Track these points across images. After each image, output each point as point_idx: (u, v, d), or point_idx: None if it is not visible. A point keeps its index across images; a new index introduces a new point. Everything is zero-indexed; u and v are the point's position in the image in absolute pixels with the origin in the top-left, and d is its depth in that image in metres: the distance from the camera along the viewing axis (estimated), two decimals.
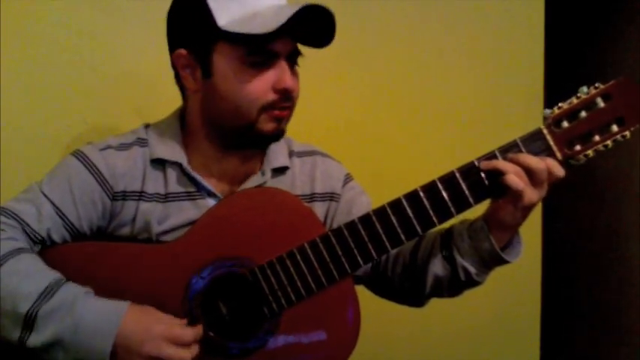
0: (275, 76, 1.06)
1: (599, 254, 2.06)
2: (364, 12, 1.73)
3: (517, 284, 1.89)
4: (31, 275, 0.98)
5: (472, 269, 1.08)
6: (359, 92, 1.76)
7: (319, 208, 1.21)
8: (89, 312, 0.96)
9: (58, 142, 1.49)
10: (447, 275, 1.10)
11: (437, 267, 1.11)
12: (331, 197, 1.23)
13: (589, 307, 2.11)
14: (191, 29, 1.09)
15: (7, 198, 1.10)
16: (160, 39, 1.50)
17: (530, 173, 0.99)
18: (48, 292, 0.96)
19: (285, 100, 1.08)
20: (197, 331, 1.02)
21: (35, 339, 0.94)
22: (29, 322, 0.94)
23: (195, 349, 1.01)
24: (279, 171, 1.19)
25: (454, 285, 1.12)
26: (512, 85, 1.88)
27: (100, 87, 1.52)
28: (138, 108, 1.54)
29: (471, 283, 1.11)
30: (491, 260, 1.07)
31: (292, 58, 1.10)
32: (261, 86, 1.06)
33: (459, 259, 1.08)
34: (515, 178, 0.98)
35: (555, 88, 1.92)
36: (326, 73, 1.67)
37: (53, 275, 0.99)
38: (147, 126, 1.19)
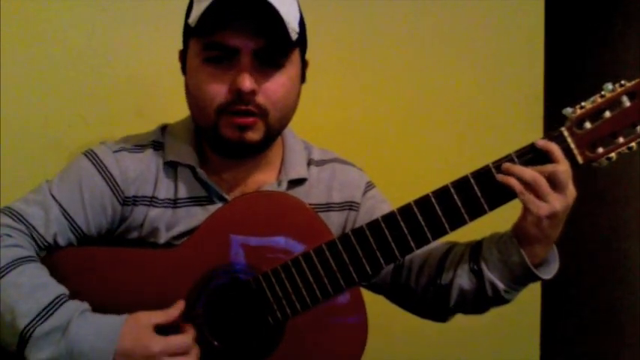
0: (234, 76, 1.00)
1: (599, 254, 2.06)
2: (365, 13, 1.73)
3: None
4: (32, 290, 0.95)
5: (500, 285, 1.03)
6: (359, 93, 1.76)
7: (337, 218, 1.17)
8: (84, 334, 0.93)
9: (58, 142, 1.48)
10: (473, 289, 1.06)
11: (463, 280, 1.07)
12: (350, 206, 1.18)
13: (589, 307, 2.11)
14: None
15: (6, 198, 1.09)
16: (160, 40, 1.50)
17: (528, 187, 0.95)
18: (47, 312, 0.93)
19: (240, 102, 1.01)
20: (190, 335, 1.00)
21: (32, 358, 0.92)
22: (25, 340, 0.92)
23: (195, 352, 1.00)
24: (297, 182, 1.15)
25: (480, 300, 1.07)
26: (512, 85, 1.87)
27: (101, 87, 1.51)
28: (138, 108, 1.54)
29: (498, 300, 1.06)
30: (523, 275, 1.02)
31: (262, 57, 1.01)
32: (216, 85, 1.01)
33: (486, 272, 1.04)
34: (518, 187, 0.95)
35: (555, 88, 1.92)
36: (326, 75, 1.66)
37: (55, 291, 0.97)
38: (164, 127, 1.16)
